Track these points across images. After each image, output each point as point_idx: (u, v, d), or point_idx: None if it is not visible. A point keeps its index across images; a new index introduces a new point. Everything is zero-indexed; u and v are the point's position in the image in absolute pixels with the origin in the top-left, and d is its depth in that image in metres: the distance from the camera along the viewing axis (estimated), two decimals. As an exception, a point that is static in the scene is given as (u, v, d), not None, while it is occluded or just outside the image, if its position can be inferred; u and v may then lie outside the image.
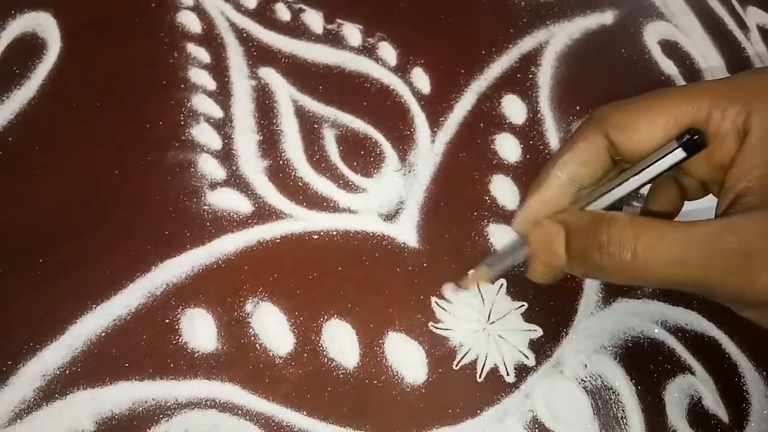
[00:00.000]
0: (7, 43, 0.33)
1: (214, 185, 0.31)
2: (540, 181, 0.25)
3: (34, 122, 0.31)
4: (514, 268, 0.29)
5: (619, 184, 0.23)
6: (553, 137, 0.35)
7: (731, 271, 0.19)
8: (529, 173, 0.34)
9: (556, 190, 0.24)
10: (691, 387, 0.30)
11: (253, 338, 0.28)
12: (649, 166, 0.22)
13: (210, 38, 0.35)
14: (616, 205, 0.24)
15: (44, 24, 0.34)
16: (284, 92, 0.34)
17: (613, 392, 0.30)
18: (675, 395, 0.30)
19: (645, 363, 0.30)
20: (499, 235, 0.32)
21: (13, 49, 0.33)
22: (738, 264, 0.19)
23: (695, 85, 0.23)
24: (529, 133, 0.35)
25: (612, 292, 0.32)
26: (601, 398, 0.29)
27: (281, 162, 0.32)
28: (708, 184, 0.24)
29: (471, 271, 0.30)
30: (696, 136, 0.21)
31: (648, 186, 0.25)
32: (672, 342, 0.31)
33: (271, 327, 0.29)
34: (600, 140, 0.23)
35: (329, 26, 0.36)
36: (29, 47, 0.33)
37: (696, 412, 0.30)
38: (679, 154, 0.21)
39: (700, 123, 0.22)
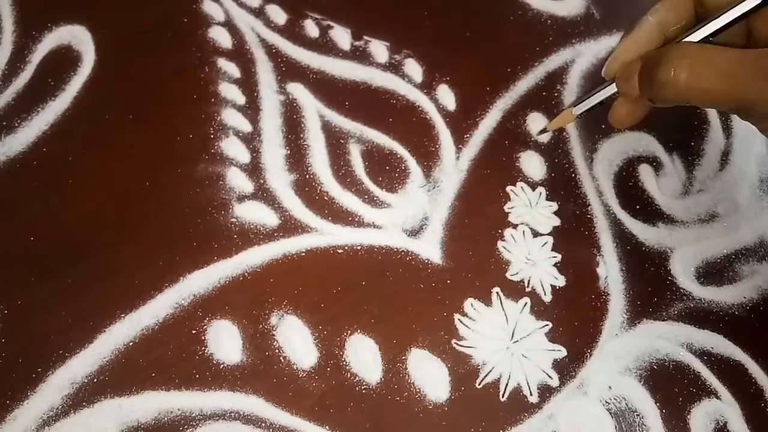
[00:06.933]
0: (42, 55, 0.34)
1: (241, 198, 0.31)
2: (631, 26, 0.27)
3: (68, 133, 0.32)
4: (595, 107, 0.30)
5: (699, 28, 0.26)
6: (578, 156, 0.35)
7: None
8: (554, 191, 0.34)
9: (645, 32, 0.27)
10: (717, 411, 0.30)
11: (277, 351, 0.28)
12: (726, 11, 0.25)
13: (240, 53, 0.35)
14: None
15: (79, 37, 0.35)
16: (311, 107, 0.34)
17: (638, 415, 0.29)
18: (700, 419, 0.30)
19: (670, 386, 0.30)
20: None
21: (48, 61, 0.34)
22: None
23: None
24: (554, 151, 0.35)
25: (637, 314, 0.32)
26: (626, 421, 0.29)
27: (307, 176, 0.33)
28: None
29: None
30: None
31: None
32: (697, 365, 0.31)
33: (296, 340, 0.29)
34: None
35: (356, 43, 0.37)
36: (64, 60, 0.34)
37: (722, 437, 0.29)
38: (753, 1, 0.25)
39: None
